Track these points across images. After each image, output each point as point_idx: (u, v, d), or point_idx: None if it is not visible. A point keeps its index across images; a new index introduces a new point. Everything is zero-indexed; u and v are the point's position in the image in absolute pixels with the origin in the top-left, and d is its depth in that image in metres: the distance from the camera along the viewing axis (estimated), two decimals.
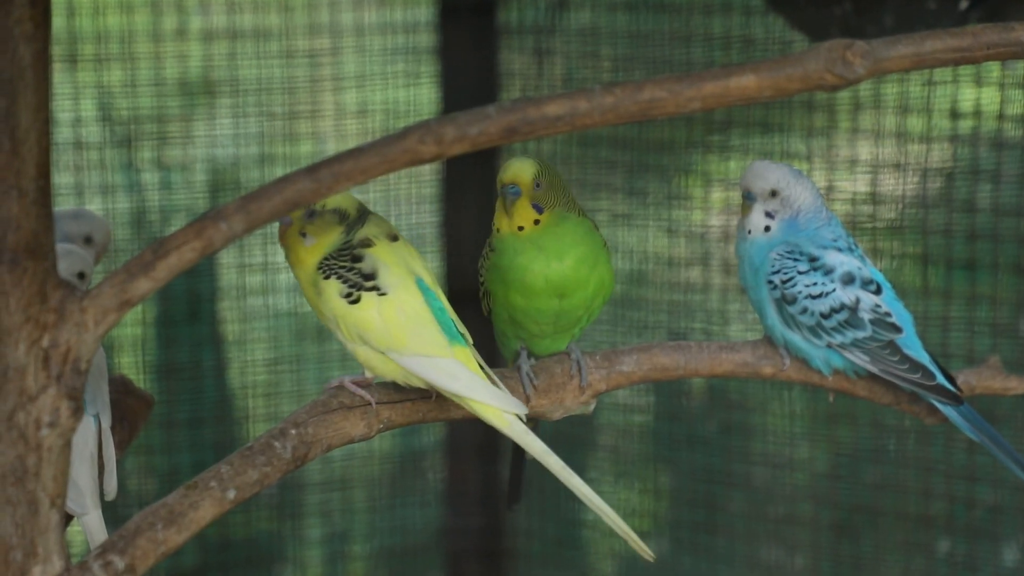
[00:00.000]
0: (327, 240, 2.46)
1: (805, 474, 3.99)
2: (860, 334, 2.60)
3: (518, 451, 2.83)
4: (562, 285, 2.55)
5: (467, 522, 4.33)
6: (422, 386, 2.46)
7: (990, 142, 3.67)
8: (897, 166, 3.75)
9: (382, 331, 2.41)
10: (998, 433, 2.63)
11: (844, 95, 3.76)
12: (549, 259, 2.54)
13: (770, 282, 2.63)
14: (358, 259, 2.42)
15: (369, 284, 2.42)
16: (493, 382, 2.45)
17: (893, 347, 2.60)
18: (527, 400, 2.58)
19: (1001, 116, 3.65)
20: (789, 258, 2.63)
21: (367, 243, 2.44)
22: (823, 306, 2.61)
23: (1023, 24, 2.12)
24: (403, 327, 2.41)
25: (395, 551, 4.33)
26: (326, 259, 2.44)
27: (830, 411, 3.89)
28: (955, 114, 3.69)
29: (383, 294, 2.42)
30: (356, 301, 2.42)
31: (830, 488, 3.95)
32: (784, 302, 2.62)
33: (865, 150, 3.78)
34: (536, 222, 2.53)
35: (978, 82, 3.66)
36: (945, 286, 3.71)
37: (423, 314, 2.42)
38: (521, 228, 2.53)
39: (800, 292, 2.61)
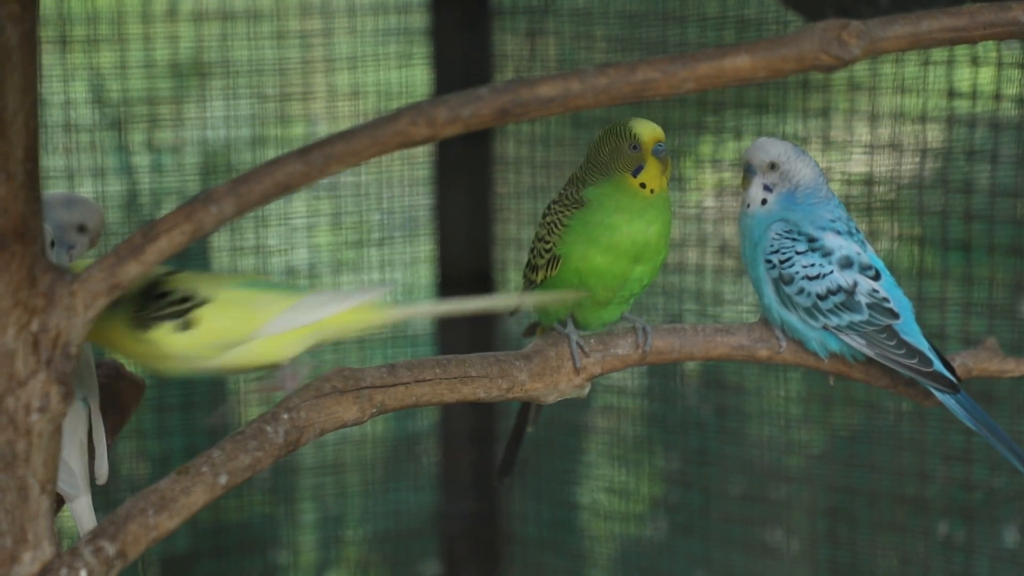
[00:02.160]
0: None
1: (801, 457, 3.98)
2: (856, 317, 2.59)
3: (519, 425, 2.83)
4: (644, 248, 2.58)
5: (461, 506, 4.32)
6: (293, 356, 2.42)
7: (987, 122, 3.65)
8: (893, 147, 3.73)
9: (232, 325, 2.36)
10: (995, 422, 2.61)
11: (840, 76, 3.74)
12: (639, 222, 2.57)
13: (768, 261, 2.63)
14: (164, 294, 2.37)
15: (189, 304, 2.36)
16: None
17: (890, 332, 2.59)
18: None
19: (998, 96, 3.63)
20: (787, 238, 2.63)
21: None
22: (820, 287, 2.60)
23: (1020, 3, 2.11)
24: (246, 307, 2.37)
25: (389, 535, 4.32)
26: (137, 315, 2.36)
27: (826, 394, 3.89)
28: (952, 94, 3.67)
29: (207, 302, 2.36)
30: (191, 323, 2.36)
31: (827, 471, 3.94)
32: (781, 282, 2.61)
33: (861, 131, 3.77)
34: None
35: (975, 62, 3.64)
36: (942, 267, 3.70)
37: (252, 291, 2.38)
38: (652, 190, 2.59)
39: (797, 273, 2.61)
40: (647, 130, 2.57)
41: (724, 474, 4.04)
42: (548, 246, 2.63)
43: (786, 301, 2.62)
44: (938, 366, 2.59)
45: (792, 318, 2.62)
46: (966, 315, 3.68)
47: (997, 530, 3.74)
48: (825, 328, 2.60)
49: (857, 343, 2.59)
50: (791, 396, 3.98)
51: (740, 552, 4.04)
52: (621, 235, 2.57)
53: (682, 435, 4.10)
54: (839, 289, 2.60)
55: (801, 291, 2.60)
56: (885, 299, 2.60)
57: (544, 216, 2.65)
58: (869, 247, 2.65)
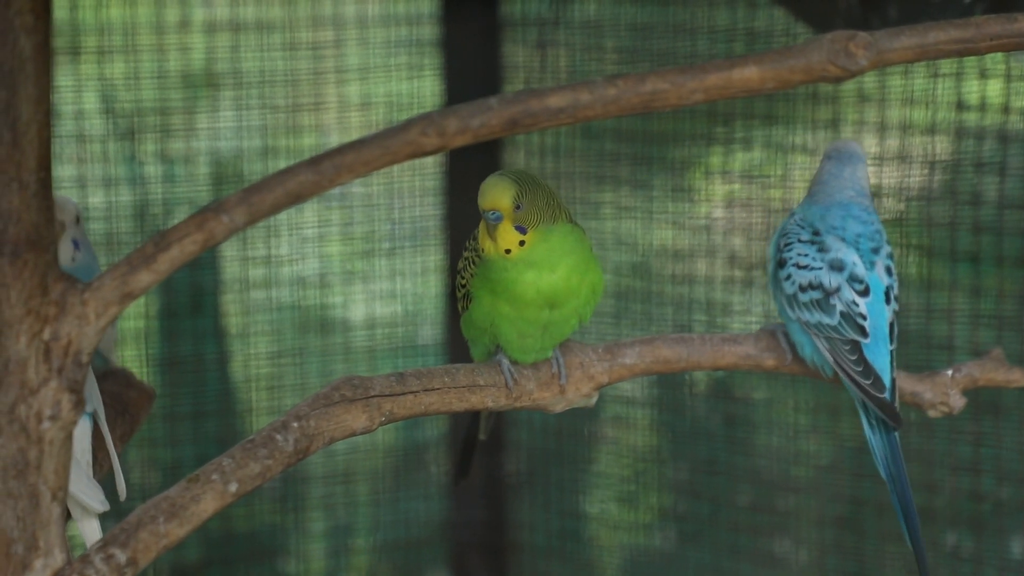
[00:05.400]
0: None
1: (809, 467, 3.98)
2: (826, 320, 2.59)
3: (472, 429, 2.83)
4: (553, 296, 2.51)
5: (470, 515, 4.33)
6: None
7: (995, 135, 3.66)
8: (902, 158, 3.74)
9: None
10: (906, 476, 2.61)
11: (848, 87, 3.75)
12: (540, 271, 2.49)
13: (777, 243, 2.66)
14: None
15: None
16: None
17: (855, 346, 2.59)
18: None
19: (1007, 109, 3.64)
20: (797, 225, 2.65)
21: None
22: (803, 278, 2.60)
23: None
24: None
25: (398, 544, 4.33)
26: None
27: (834, 404, 3.89)
28: (960, 107, 3.68)
29: None
30: None
31: (835, 481, 3.94)
32: (779, 266, 2.63)
33: (870, 142, 3.78)
34: (521, 243, 2.48)
35: (983, 74, 3.65)
36: (950, 279, 3.71)
37: None
38: (508, 251, 2.48)
39: (790, 257, 2.62)
40: (480, 195, 2.48)
41: (732, 484, 4.05)
42: (463, 282, 2.59)
43: (778, 286, 2.63)
44: (889, 397, 2.59)
45: (777, 301, 2.64)
46: (974, 327, 3.68)
47: (1005, 541, 3.74)
48: (799, 322, 2.61)
49: (822, 345, 2.60)
50: (799, 406, 3.98)
51: (748, 562, 4.04)
52: (523, 286, 2.50)
53: (690, 445, 4.10)
54: (819, 285, 2.60)
55: (788, 277, 2.62)
56: (862, 315, 2.60)
57: (465, 247, 2.60)
58: (879, 268, 2.64)
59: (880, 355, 2.60)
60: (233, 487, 2.27)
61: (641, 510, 4.22)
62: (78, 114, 3.97)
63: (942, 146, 3.72)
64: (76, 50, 3.93)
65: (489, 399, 2.56)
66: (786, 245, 2.65)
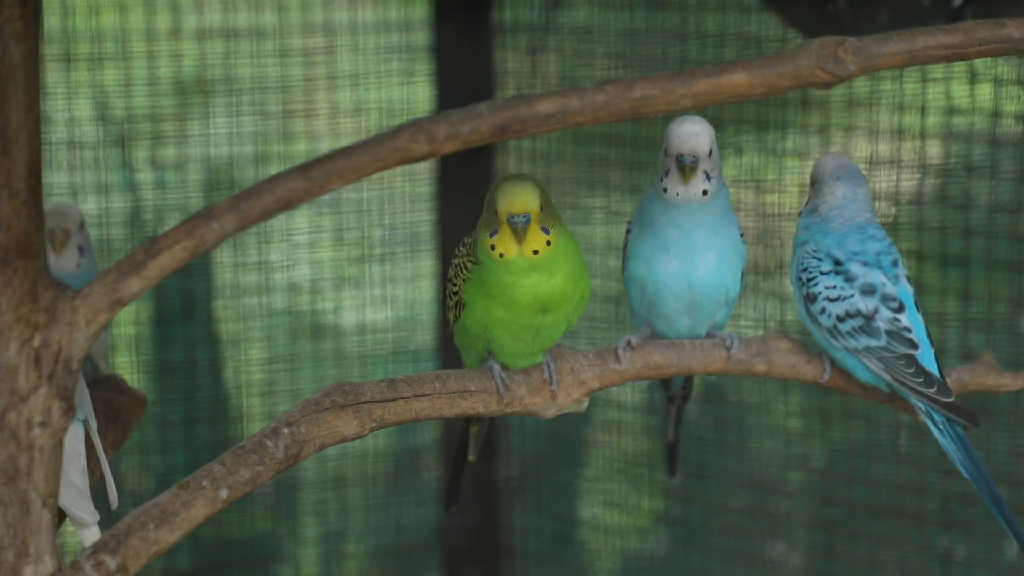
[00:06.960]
0: None
1: (801, 471, 3.98)
2: (873, 342, 2.60)
3: (460, 454, 2.84)
4: (549, 300, 2.52)
5: (463, 520, 4.33)
6: None
7: (985, 139, 3.66)
8: (892, 163, 3.75)
9: None
10: (987, 472, 2.62)
11: (839, 92, 3.76)
12: (540, 276, 2.50)
13: (799, 279, 2.66)
14: None
15: None
16: None
17: (909, 359, 2.59)
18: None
19: (996, 113, 3.64)
20: (814, 257, 2.65)
21: None
22: (839, 309, 2.61)
23: (1014, 21, 2.12)
24: None
25: (391, 550, 4.33)
26: None
27: (826, 408, 3.89)
28: (950, 111, 3.69)
29: None
30: None
31: (826, 485, 3.95)
32: (807, 300, 2.64)
33: (861, 147, 3.78)
34: (548, 243, 2.49)
35: (973, 79, 3.65)
36: (940, 283, 3.71)
37: None
38: (536, 252, 2.49)
39: (820, 293, 2.63)
40: (505, 200, 2.46)
41: (724, 488, 4.05)
42: (455, 289, 2.59)
43: (813, 319, 2.65)
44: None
45: (817, 334, 2.65)
46: (965, 330, 3.69)
47: (996, 544, 3.75)
48: (846, 349, 2.62)
49: (876, 367, 2.60)
50: (791, 410, 3.98)
51: (740, 566, 4.04)
52: (522, 291, 2.50)
53: (682, 449, 4.10)
54: (857, 313, 2.61)
55: (823, 311, 2.62)
56: (906, 328, 2.61)
57: (455, 256, 2.60)
58: (903, 280, 2.65)
59: (930, 363, 2.62)
60: (224, 493, 2.27)
61: (633, 514, 4.23)
62: (70, 121, 3.97)
63: (932, 150, 3.72)
64: (68, 57, 3.93)
65: (480, 404, 2.57)
66: (809, 280, 2.65)
